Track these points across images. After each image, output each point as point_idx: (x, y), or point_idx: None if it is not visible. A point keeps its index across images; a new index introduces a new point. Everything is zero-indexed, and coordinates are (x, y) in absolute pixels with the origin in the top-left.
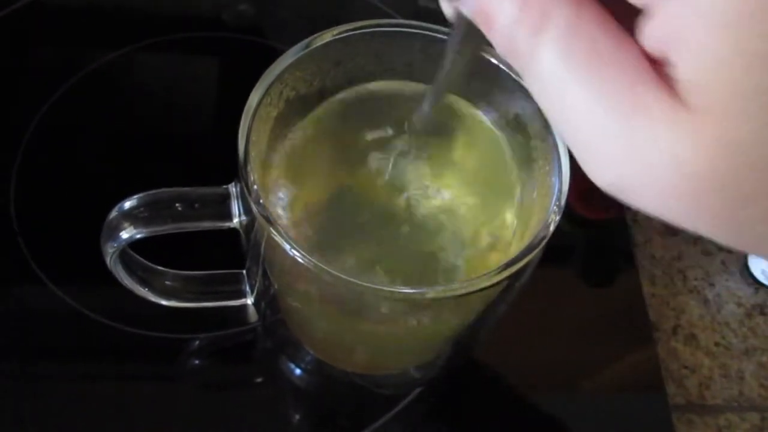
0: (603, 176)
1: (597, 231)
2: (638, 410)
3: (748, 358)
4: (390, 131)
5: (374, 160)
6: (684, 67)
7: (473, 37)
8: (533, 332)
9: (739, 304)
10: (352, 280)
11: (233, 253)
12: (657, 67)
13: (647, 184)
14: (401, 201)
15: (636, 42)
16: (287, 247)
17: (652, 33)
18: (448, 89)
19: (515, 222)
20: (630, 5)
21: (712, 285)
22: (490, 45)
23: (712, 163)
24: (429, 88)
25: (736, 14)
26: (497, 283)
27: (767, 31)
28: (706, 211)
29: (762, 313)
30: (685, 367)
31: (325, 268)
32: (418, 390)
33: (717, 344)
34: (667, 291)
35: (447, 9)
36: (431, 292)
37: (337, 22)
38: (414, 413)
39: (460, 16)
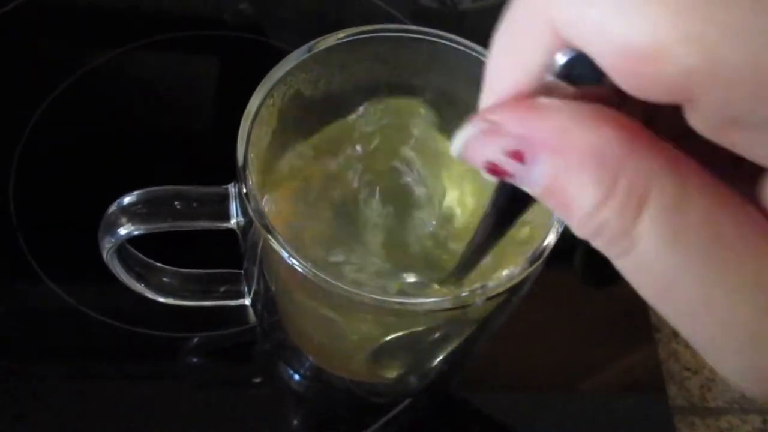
0: (739, 376)
1: None
2: (639, 412)
3: None
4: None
5: (376, 172)
6: None
7: (522, 202)
8: (533, 333)
9: None
10: (349, 289)
11: (233, 252)
12: None
13: None
14: (403, 208)
15: (761, 210)
16: (285, 254)
17: None
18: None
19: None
20: (750, 166)
21: None
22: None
23: None
24: (461, 257)
25: None
26: (496, 296)
27: None
28: None
29: None
30: (687, 369)
31: (323, 276)
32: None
33: None
34: None
35: (457, 147)
36: (427, 304)
37: (338, 21)
38: (411, 415)
39: (506, 185)
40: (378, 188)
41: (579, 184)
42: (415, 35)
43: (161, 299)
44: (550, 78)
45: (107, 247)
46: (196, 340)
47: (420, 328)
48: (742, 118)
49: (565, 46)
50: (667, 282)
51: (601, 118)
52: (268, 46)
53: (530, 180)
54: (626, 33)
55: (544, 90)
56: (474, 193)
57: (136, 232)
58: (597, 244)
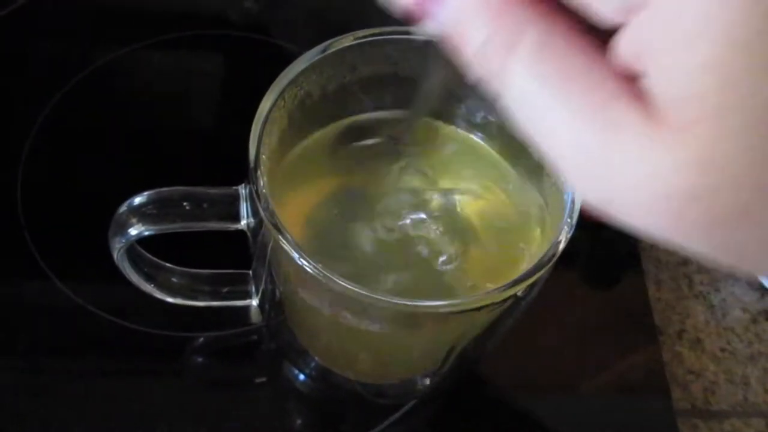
0: (587, 192)
1: (602, 234)
2: (643, 415)
3: (754, 363)
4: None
5: (383, 172)
6: (657, 82)
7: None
8: (537, 335)
9: (745, 310)
10: (359, 290)
11: (242, 252)
12: (632, 83)
13: (629, 202)
14: (410, 214)
15: (609, 58)
16: (296, 255)
17: (624, 47)
18: (431, 100)
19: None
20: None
21: (717, 290)
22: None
23: (690, 181)
24: (415, 98)
25: (710, 23)
26: (504, 300)
27: (744, 39)
28: (691, 229)
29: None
30: (690, 372)
31: (333, 278)
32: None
33: (722, 349)
34: (672, 295)
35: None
36: (436, 306)
37: (344, 21)
38: (417, 417)
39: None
40: (383, 194)
41: (472, 27)
42: (425, 37)
43: (170, 299)
44: None
45: (117, 247)
46: (201, 339)
47: (430, 331)
48: None
49: None
50: (532, 111)
51: None
52: (274, 46)
53: (441, 20)
54: None
55: None
56: (476, 199)
57: (146, 233)
58: (488, 83)
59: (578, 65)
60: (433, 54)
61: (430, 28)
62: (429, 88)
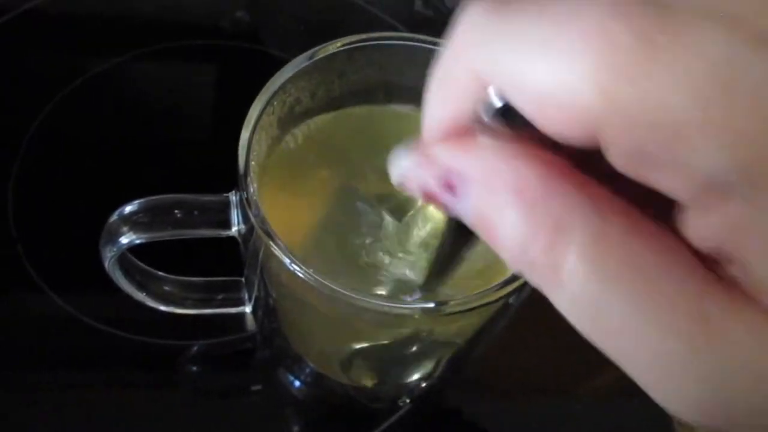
0: (683, 410)
1: None
2: (639, 417)
3: None
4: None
5: (371, 174)
6: (759, 265)
7: (470, 236)
8: (531, 337)
9: None
10: (350, 294)
11: (234, 259)
12: (713, 265)
13: (740, 410)
14: (402, 215)
15: (681, 242)
16: (287, 261)
17: (709, 230)
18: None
19: None
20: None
21: None
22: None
23: None
24: (427, 271)
25: None
26: (495, 301)
27: None
28: None
29: None
30: None
31: (325, 282)
32: (415, 395)
33: None
34: None
35: (396, 175)
36: (428, 309)
37: (334, 29)
38: (412, 420)
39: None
40: (369, 196)
41: (503, 218)
42: (412, 43)
43: (162, 308)
44: (487, 120)
45: (109, 256)
46: (196, 347)
47: (424, 334)
48: (649, 156)
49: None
50: (597, 314)
51: (523, 156)
52: (265, 55)
53: (462, 210)
54: (534, 78)
55: (483, 130)
56: None
57: (137, 241)
58: (531, 279)
59: (650, 254)
60: (446, 237)
61: (451, 209)
62: (449, 261)
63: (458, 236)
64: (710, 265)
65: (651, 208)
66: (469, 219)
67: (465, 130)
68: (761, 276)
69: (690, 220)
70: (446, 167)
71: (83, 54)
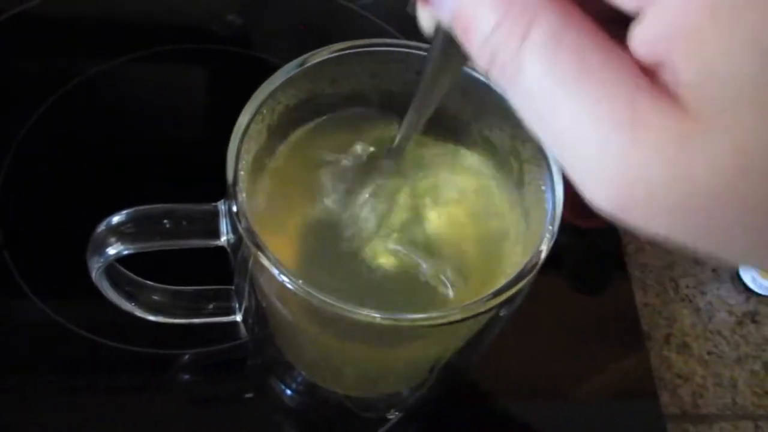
0: (601, 196)
1: (588, 240)
2: (632, 420)
3: (741, 366)
4: (375, 155)
5: (361, 183)
6: (685, 69)
7: (453, 51)
8: (525, 341)
9: (731, 312)
10: (339, 305)
11: (225, 267)
12: (652, 75)
13: (652, 204)
14: (391, 227)
15: (627, 50)
16: (276, 272)
17: (646, 36)
18: (429, 111)
19: (508, 247)
20: (619, 15)
21: (703, 293)
22: (469, 61)
23: (726, 176)
24: (409, 111)
25: (738, 4)
26: (486, 311)
27: None
28: (717, 229)
29: (753, 321)
30: (679, 377)
31: (314, 293)
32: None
33: (710, 353)
34: (659, 300)
35: (425, 21)
36: (417, 320)
37: (326, 33)
38: (404, 428)
39: (439, 29)
40: (361, 203)
41: (479, 12)
42: (404, 49)
43: (151, 318)
44: None
45: (96, 267)
46: (187, 356)
47: (413, 344)
48: None
49: None
50: (544, 105)
51: None
52: (257, 60)
53: (444, 5)
54: None
55: None
56: (459, 207)
57: (125, 252)
58: (492, 74)
59: (596, 56)
60: (432, 51)
61: (435, 15)
62: (428, 91)
63: (442, 57)
64: (648, 74)
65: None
66: (450, 12)
67: None
68: (688, 78)
69: (633, 30)
70: None
71: (73, 58)
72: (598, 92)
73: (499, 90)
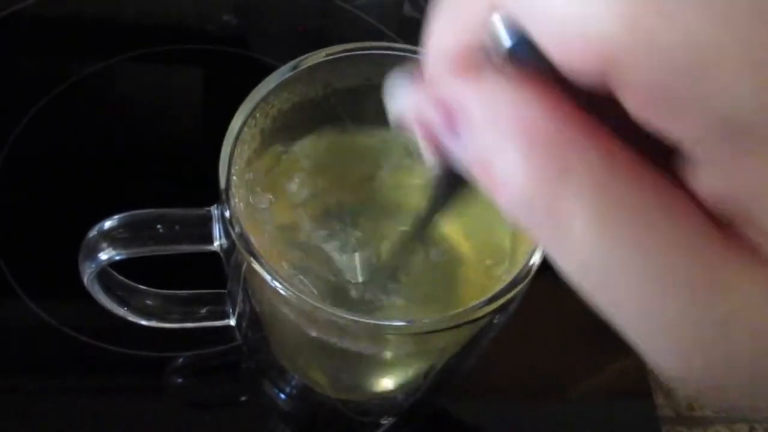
0: (675, 364)
1: None
2: (627, 422)
3: None
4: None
5: (357, 189)
6: None
7: (462, 183)
8: (520, 342)
9: None
10: (330, 310)
11: (218, 271)
12: (719, 223)
13: (732, 368)
14: (386, 232)
15: (688, 196)
16: (268, 278)
17: (715, 182)
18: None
19: (509, 249)
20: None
21: None
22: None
23: None
24: (416, 218)
25: None
26: (480, 318)
27: None
28: None
29: None
30: None
31: (305, 299)
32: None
33: None
34: None
35: (394, 112)
36: (410, 327)
37: (322, 34)
38: (402, 428)
39: (443, 165)
40: (353, 205)
41: (504, 158)
42: (399, 53)
43: (144, 322)
44: (495, 60)
45: (88, 272)
46: (181, 359)
47: (407, 350)
48: (666, 96)
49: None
50: (600, 268)
51: (532, 94)
52: (253, 60)
53: (459, 149)
54: (557, 5)
55: (492, 68)
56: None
57: (117, 257)
58: (530, 227)
59: (658, 205)
60: (438, 185)
61: (453, 157)
62: (441, 208)
63: (447, 188)
64: (717, 220)
65: (659, 166)
66: (467, 158)
67: (472, 65)
68: None
69: (700, 173)
70: (449, 99)
71: (67, 58)
72: (664, 252)
73: None
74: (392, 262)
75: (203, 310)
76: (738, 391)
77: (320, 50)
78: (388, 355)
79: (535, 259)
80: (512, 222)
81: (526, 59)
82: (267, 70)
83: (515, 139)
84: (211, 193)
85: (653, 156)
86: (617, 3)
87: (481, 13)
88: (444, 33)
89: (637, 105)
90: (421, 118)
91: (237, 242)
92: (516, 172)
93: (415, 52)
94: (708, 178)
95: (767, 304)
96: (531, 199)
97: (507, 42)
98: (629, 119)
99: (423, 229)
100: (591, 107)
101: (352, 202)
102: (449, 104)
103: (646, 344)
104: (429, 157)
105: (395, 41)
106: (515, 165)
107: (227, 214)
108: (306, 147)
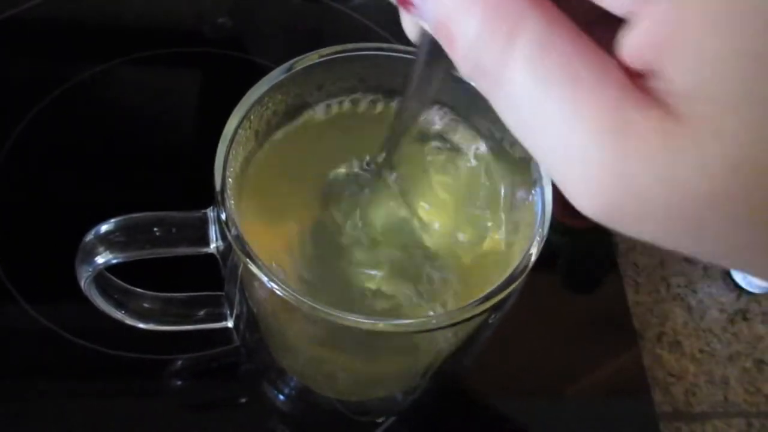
0: (590, 204)
1: (580, 239)
2: (625, 418)
3: (733, 363)
4: (365, 158)
5: (351, 185)
6: (675, 75)
7: (439, 55)
8: (517, 340)
9: (722, 310)
10: (328, 311)
11: (215, 273)
12: (640, 81)
13: (641, 210)
14: (381, 227)
15: (614, 55)
16: (265, 279)
17: (636, 42)
18: (418, 113)
19: (503, 245)
20: (606, 20)
21: (694, 292)
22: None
23: (717, 181)
24: (395, 117)
25: (733, 12)
26: (477, 315)
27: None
28: (708, 234)
29: (744, 319)
30: (671, 375)
31: (303, 299)
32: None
33: (701, 351)
34: (650, 298)
35: (409, 27)
36: (406, 325)
37: (317, 35)
38: (401, 427)
39: (424, 34)
40: (350, 205)
41: (461, 21)
42: (393, 53)
43: (142, 325)
44: None
45: (85, 276)
46: (179, 362)
47: (404, 349)
48: None
49: None
50: (528, 112)
51: None
52: (248, 62)
53: (427, 13)
54: None
55: None
56: (450, 212)
57: (114, 261)
58: (477, 82)
59: (584, 61)
60: (418, 55)
61: (417, 20)
62: (416, 94)
63: (425, 65)
64: (637, 81)
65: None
66: (433, 20)
67: None
68: (681, 84)
69: (623, 36)
70: None
71: (63, 62)
72: (585, 99)
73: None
74: (385, 163)
75: (201, 313)
76: (656, 226)
77: (314, 52)
78: (385, 354)
79: (530, 258)
80: (465, 75)
81: None
82: (262, 72)
83: (471, 3)
84: (208, 195)
85: (587, 29)
86: None
87: None
88: None
89: None
90: None
91: (233, 244)
92: (470, 30)
93: (408, 53)
94: (628, 37)
95: (659, 138)
96: (480, 54)
97: None
98: None
99: (406, 116)
100: None
101: (347, 198)
102: None
103: (562, 176)
104: (406, 26)
105: (389, 42)
106: (470, 24)
107: (223, 216)
108: (292, 138)
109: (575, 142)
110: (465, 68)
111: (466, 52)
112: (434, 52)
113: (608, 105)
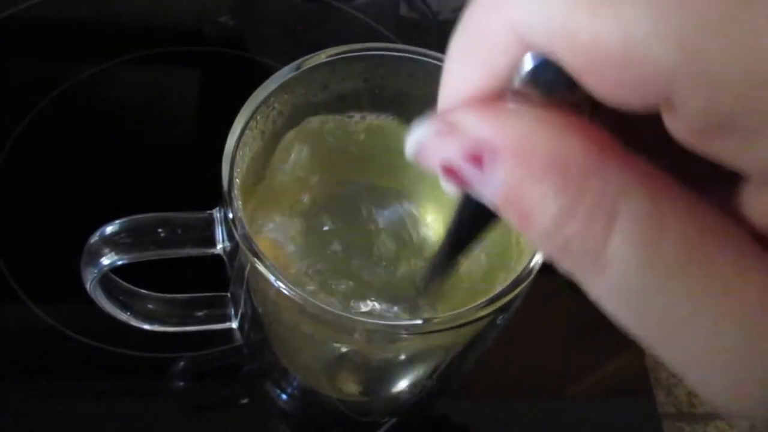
0: (733, 402)
1: None
2: (628, 419)
3: None
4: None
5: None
6: None
7: (488, 215)
8: (520, 340)
9: None
10: (334, 311)
11: (220, 274)
12: None
13: None
14: (390, 231)
15: (741, 226)
16: (272, 278)
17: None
18: (459, 263)
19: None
20: (727, 176)
21: None
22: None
23: None
24: (434, 264)
25: None
26: (482, 318)
27: None
28: None
29: None
30: (674, 375)
31: (310, 299)
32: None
33: None
34: None
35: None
36: (413, 326)
37: (318, 34)
38: (404, 428)
39: (468, 197)
40: (355, 208)
41: (540, 194)
42: (397, 53)
43: (147, 327)
44: (517, 85)
45: (90, 277)
46: (182, 361)
47: (410, 349)
48: (730, 121)
49: (531, 49)
50: (643, 306)
51: (567, 126)
52: (250, 61)
53: (488, 188)
54: (593, 31)
55: (511, 97)
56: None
57: (119, 262)
58: (564, 264)
59: (706, 241)
60: (466, 222)
61: (476, 195)
62: (459, 252)
63: (471, 223)
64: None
65: (701, 190)
66: (497, 197)
67: (492, 97)
68: None
69: (754, 196)
70: (473, 137)
71: (63, 62)
72: (717, 287)
73: None
74: (415, 293)
75: (205, 313)
76: None
77: (320, 51)
78: (391, 355)
79: (537, 260)
80: (549, 259)
81: (550, 86)
82: (264, 71)
83: (551, 175)
84: (211, 195)
85: (695, 182)
86: (666, 24)
87: (503, 41)
88: (461, 66)
89: (687, 131)
90: (442, 158)
91: (241, 243)
92: (550, 209)
93: (413, 53)
94: (761, 199)
95: None
96: (567, 234)
97: (530, 64)
98: (659, 138)
99: (447, 263)
100: (621, 127)
101: (353, 200)
102: (473, 143)
103: (692, 375)
104: (452, 191)
105: (393, 42)
106: (549, 202)
107: (230, 215)
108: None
109: (710, 338)
110: (548, 249)
111: (551, 234)
112: (483, 214)
113: (750, 289)
